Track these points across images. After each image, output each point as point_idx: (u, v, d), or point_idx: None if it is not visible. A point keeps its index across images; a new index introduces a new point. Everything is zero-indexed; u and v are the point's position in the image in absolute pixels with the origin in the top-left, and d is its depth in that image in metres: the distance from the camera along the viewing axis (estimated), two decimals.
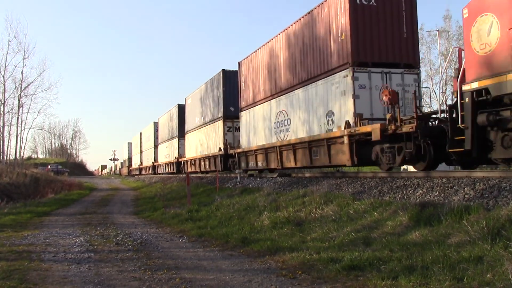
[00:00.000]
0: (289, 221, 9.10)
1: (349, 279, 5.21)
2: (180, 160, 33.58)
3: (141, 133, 56.72)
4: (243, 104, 20.65)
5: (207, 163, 26.61)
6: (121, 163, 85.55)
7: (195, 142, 29.29)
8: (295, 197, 11.32)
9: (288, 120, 16.23)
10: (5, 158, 31.60)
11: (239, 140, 21.56)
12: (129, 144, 70.89)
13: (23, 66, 36.40)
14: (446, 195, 7.77)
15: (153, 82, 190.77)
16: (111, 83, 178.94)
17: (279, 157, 16.58)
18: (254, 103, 19.34)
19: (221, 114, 23.75)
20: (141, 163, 55.74)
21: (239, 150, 20.80)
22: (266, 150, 17.87)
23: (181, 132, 33.44)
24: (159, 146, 43.44)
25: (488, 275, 4.50)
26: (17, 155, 32.91)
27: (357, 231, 7.34)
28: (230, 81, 23.39)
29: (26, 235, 10.09)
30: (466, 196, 7.39)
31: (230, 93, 23.26)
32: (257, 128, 19.07)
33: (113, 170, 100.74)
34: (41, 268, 6.75)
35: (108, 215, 15.13)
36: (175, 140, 35.35)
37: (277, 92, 17.20)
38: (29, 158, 72.66)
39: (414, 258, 5.39)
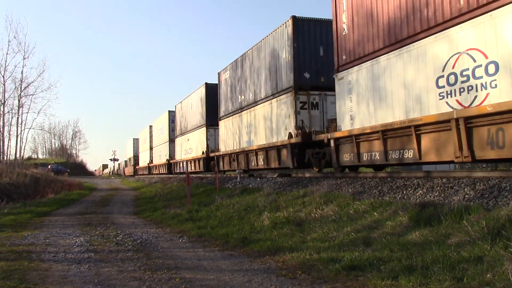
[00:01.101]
0: (289, 221, 9.10)
1: (349, 279, 5.21)
2: (211, 155, 25.84)
3: (151, 126, 49.16)
4: (345, 59, 12.65)
5: (261, 157, 18.44)
6: (125, 161, 78.07)
7: (237, 130, 21.49)
8: (295, 197, 11.32)
9: (494, 65, 8.15)
10: (5, 158, 31.59)
11: (328, 120, 14.64)
12: (135, 141, 63.61)
13: (23, 66, 36.59)
14: (446, 195, 7.78)
15: (154, 80, 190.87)
16: (111, 83, 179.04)
17: (463, 139, 8.82)
18: (382, 49, 11.10)
19: (290, 84, 15.88)
20: (151, 161, 48.22)
21: (344, 133, 12.49)
22: (417, 129, 9.92)
23: (211, 119, 26.40)
24: (176, 139, 35.60)
25: (488, 275, 4.50)
26: (17, 155, 32.93)
27: (357, 231, 7.34)
28: (304, 34, 15.78)
29: (26, 235, 10.09)
30: (466, 196, 7.39)
31: (304, 52, 15.80)
32: (390, 93, 10.82)
33: (116, 170, 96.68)
34: (41, 268, 6.74)
35: (108, 215, 15.13)
36: (202, 130, 27.90)
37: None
38: (29, 158, 72.71)
39: (414, 258, 5.39)
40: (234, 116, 22.12)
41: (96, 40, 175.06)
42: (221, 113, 24.23)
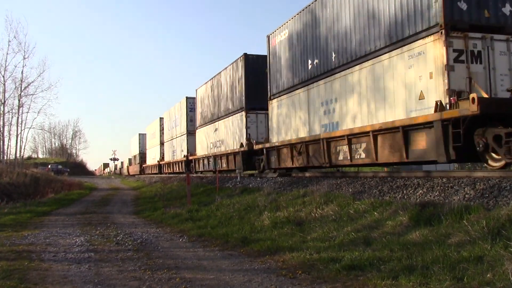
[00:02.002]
0: (289, 221, 9.11)
1: (349, 278, 5.21)
2: (256, 147, 18.62)
3: (161, 119, 42.66)
4: None
5: (360, 147, 12.10)
6: (130, 159, 70.66)
7: (304, 111, 14.93)
8: (295, 197, 11.32)
9: None
10: (5, 158, 31.59)
11: None
12: (142, 136, 57.06)
13: (23, 66, 36.53)
14: (446, 195, 7.77)
15: (154, 80, 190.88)
16: (111, 82, 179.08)
17: None
18: None
19: (435, 20, 9.46)
20: (162, 158, 41.59)
21: None
22: None
23: (252, 101, 20.32)
24: (198, 131, 28.79)
25: (488, 275, 4.50)
26: (17, 155, 32.90)
27: (357, 231, 7.34)
28: None
29: (26, 235, 10.10)
30: (466, 196, 7.39)
31: None
32: None
33: (119, 169, 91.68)
34: (41, 267, 6.75)
35: (108, 214, 15.13)
36: (239, 117, 21.21)
37: None
38: (29, 158, 72.67)
39: (414, 258, 5.39)
40: (298, 91, 15.41)
41: (97, 40, 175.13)
42: (274, 90, 17.46)
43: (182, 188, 21.44)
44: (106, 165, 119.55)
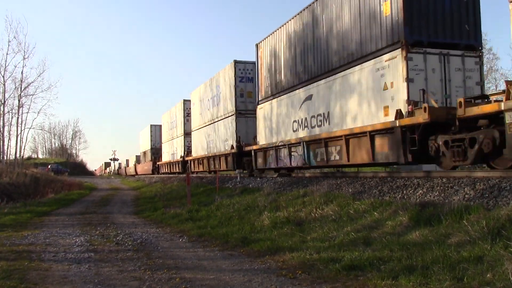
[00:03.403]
0: (289, 221, 9.11)
1: (349, 278, 5.21)
2: (478, 111, 8.53)
3: (186, 101, 32.73)
4: None
5: None
6: (137, 156, 60.14)
7: None
8: (295, 197, 11.32)
9: None
10: (5, 158, 31.62)
11: None
12: (155, 128, 47.18)
13: (23, 66, 36.49)
14: (446, 195, 7.77)
15: (154, 79, 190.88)
16: (111, 82, 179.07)
17: None
18: None
19: None
20: (188, 153, 31.26)
21: None
22: None
23: (422, 30, 10.39)
24: (262, 106, 18.46)
25: (488, 275, 4.50)
26: (17, 155, 32.93)
27: (357, 231, 7.34)
28: None
29: (26, 235, 10.10)
30: (466, 196, 7.39)
31: None
32: None
33: (124, 168, 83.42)
34: (41, 268, 6.75)
35: (108, 215, 15.13)
36: (377, 64, 11.12)
37: None
38: (29, 158, 72.66)
39: (414, 258, 5.39)
40: None
41: (96, 39, 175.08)
42: None
43: (182, 188, 21.44)
44: (107, 165, 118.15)
